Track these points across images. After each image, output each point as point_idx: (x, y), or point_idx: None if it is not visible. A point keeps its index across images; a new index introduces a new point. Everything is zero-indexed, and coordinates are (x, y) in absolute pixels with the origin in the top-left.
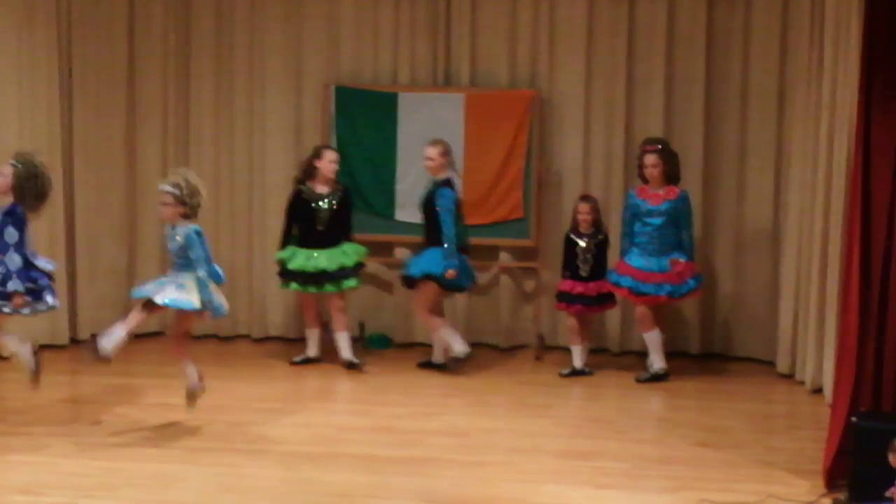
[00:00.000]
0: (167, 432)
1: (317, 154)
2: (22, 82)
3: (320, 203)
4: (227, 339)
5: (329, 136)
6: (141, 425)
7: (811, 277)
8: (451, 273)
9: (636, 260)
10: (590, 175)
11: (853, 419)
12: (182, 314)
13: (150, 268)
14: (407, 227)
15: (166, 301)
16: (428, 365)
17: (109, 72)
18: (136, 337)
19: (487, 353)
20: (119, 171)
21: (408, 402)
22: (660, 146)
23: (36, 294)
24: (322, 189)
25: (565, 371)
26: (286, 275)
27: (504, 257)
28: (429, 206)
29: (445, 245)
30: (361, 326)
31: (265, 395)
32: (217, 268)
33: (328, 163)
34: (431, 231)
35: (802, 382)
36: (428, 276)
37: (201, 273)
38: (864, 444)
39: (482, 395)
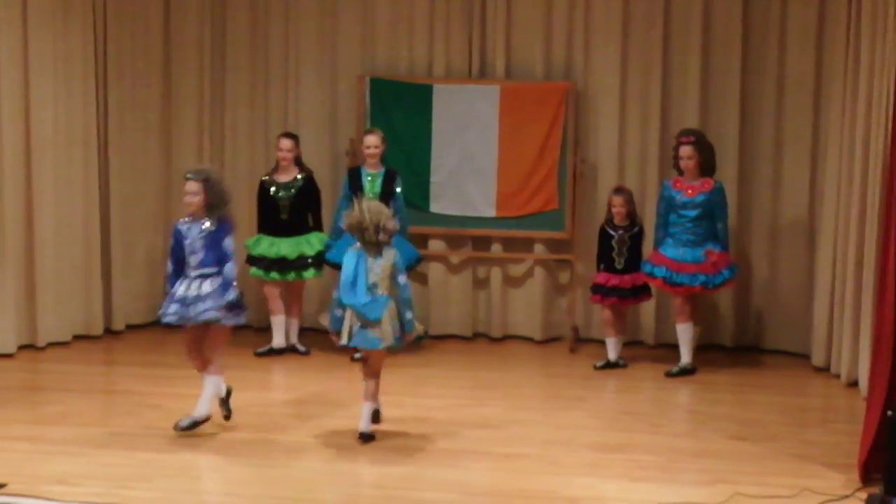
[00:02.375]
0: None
1: (275, 142)
2: (57, 73)
3: (280, 191)
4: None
5: (364, 128)
6: (175, 416)
7: (847, 270)
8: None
9: (671, 250)
10: (625, 167)
11: (889, 413)
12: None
13: None
14: (442, 218)
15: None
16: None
17: (145, 63)
18: (170, 327)
19: (522, 345)
20: (154, 163)
21: (443, 394)
22: (694, 138)
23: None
24: (282, 178)
25: (599, 363)
26: (250, 261)
27: (538, 249)
28: (388, 195)
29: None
30: None
31: (294, 385)
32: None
33: (278, 150)
34: None
35: (838, 376)
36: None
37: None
38: None
39: (516, 387)
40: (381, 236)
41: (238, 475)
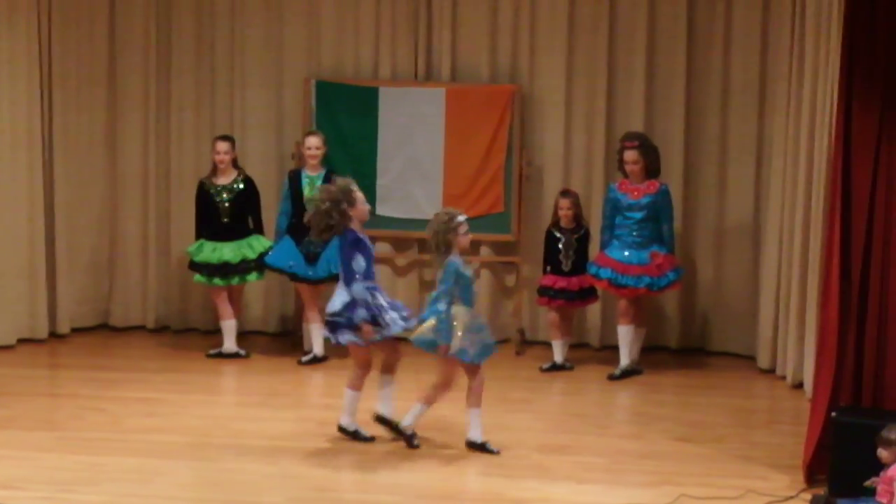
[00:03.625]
0: (147, 426)
1: (212, 145)
2: (1, 75)
3: (220, 195)
4: (121, 329)
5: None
6: (121, 420)
7: (792, 272)
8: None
9: (616, 252)
10: (570, 169)
11: (833, 414)
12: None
13: (132, 262)
14: (388, 221)
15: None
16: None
17: (90, 66)
18: (116, 331)
19: None
20: (99, 166)
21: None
22: (639, 142)
23: (375, 320)
24: (221, 180)
25: (545, 366)
26: (193, 267)
27: (485, 252)
28: None
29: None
30: None
31: (238, 388)
32: None
33: (215, 153)
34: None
35: (783, 377)
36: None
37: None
38: (843, 439)
39: (463, 390)
40: (441, 248)
41: (183, 478)
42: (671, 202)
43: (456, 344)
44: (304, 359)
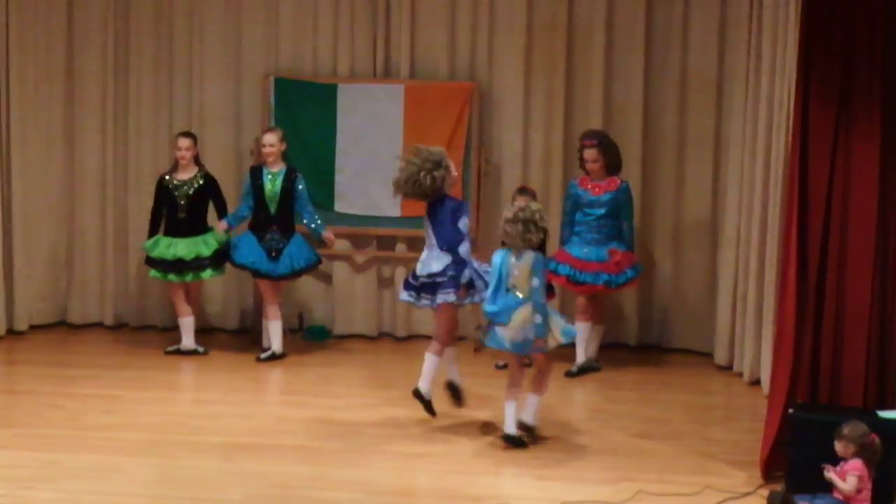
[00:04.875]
0: (104, 423)
1: (173, 141)
2: None
3: (179, 190)
4: (79, 326)
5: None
6: (79, 416)
7: (749, 269)
8: None
9: (575, 249)
10: (529, 166)
11: (790, 411)
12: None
13: (90, 259)
14: (346, 218)
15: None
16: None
17: (48, 63)
18: (74, 327)
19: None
20: (57, 163)
21: (347, 393)
22: (597, 140)
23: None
24: (181, 176)
25: (501, 363)
26: (149, 262)
27: None
28: (290, 193)
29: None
30: (300, 318)
31: (196, 385)
32: None
33: (176, 149)
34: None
35: (740, 374)
36: None
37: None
38: (800, 436)
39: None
40: (529, 236)
41: (141, 475)
42: (632, 199)
43: (554, 339)
44: (263, 356)
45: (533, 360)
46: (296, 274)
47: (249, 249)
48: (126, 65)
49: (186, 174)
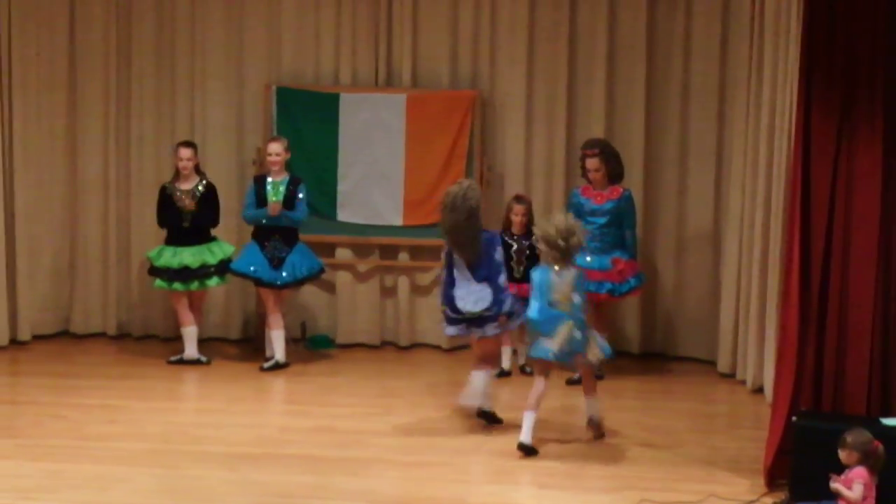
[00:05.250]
0: (107, 433)
1: (175, 151)
2: None
3: (181, 200)
4: (82, 336)
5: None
6: (81, 427)
7: (752, 277)
8: None
9: (578, 258)
10: (531, 175)
11: (793, 418)
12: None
13: (92, 269)
14: (349, 227)
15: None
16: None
17: (50, 72)
18: (77, 337)
19: (430, 353)
20: (60, 172)
21: (349, 402)
22: (599, 149)
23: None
24: (184, 185)
25: (494, 372)
26: (153, 272)
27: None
28: (292, 201)
29: None
30: (303, 327)
31: (199, 395)
32: None
33: (178, 159)
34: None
35: (743, 382)
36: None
37: None
38: (804, 444)
39: (423, 395)
40: (569, 252)
41: (144, 485)
42: (634, 208)
43: (594, 353)
44: (266, 365)
45: (580, 373)
46: (298, 283)
47: (251, 258)
48: (128, 74)
49: (188, 183)
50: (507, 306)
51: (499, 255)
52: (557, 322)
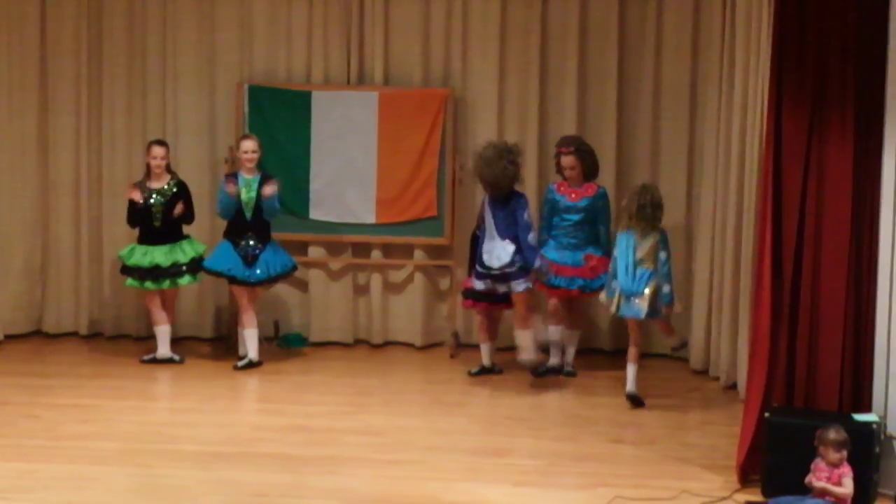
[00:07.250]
0: (80, 433)
1: (147, 149)
2: None
3: (153, 197)
4: (54, 336)
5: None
6: (54, 426)
7: (724, 274)
8: None
9: (551, 253)
10: None
11: (766, 415)
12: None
13: (64, 268)
14: (321, 225)
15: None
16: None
17: (21, 71)
18: (49, 337)
19: (403, 351)
20: (31, 171)
21: (324, 400)
22: (574, 147)
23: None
24: (155, 184)
25: (474, 370)
26: (125, 271)
27: (418, 255)
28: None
29: None
30: (276, 325)
31: (172, 394)
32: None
33: (151, 158)
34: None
35: (716, 378)
36: None
37: None
38: (776, 440)
39: (398, 393)
40: (655, 216)
41: (117, 485)
42: (609, 205)
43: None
44: (240, 364)
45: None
46: (272, 280)
47: (225, 256)
48: (99, 73)
49: (159, 182)
50: (534, 264)
51: (527, 215)
52: (647, 281)
